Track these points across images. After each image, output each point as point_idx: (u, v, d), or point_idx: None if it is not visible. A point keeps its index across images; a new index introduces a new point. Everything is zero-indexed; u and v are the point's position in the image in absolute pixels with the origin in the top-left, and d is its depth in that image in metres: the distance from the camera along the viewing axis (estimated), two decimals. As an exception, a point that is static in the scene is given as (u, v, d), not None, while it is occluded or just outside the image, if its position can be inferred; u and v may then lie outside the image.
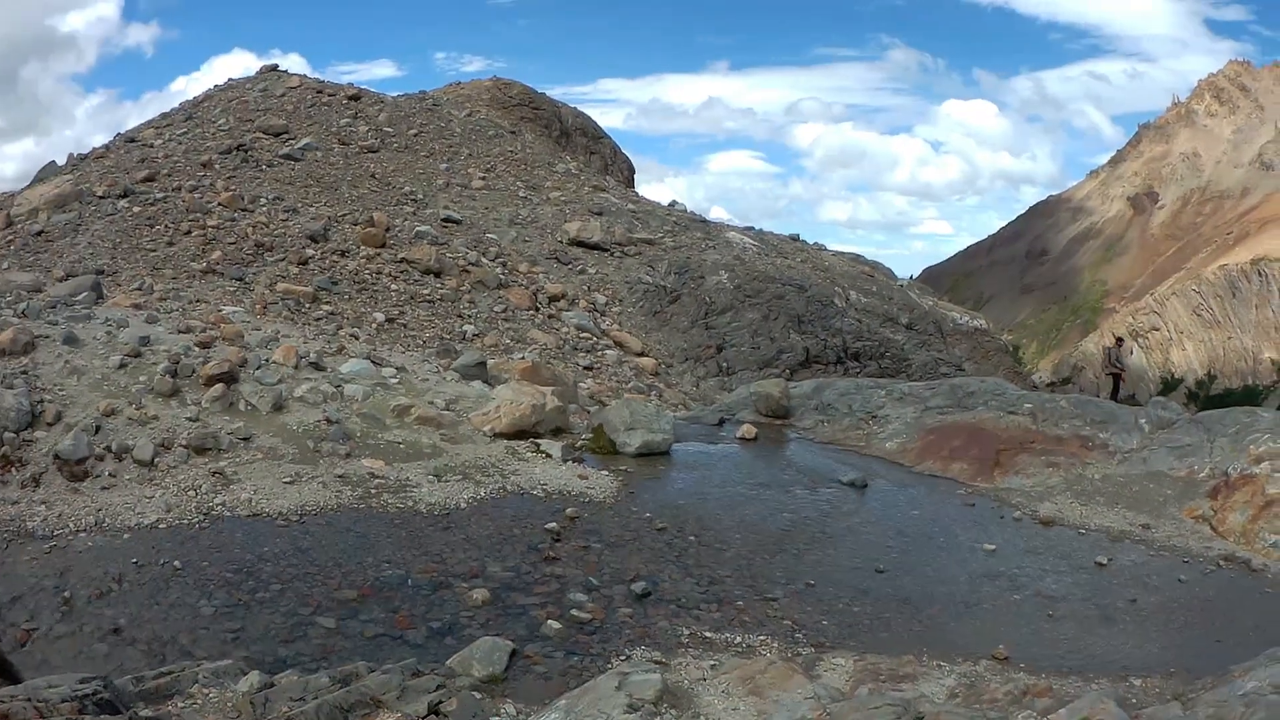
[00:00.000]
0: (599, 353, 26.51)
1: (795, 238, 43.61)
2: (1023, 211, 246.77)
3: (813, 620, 10.64)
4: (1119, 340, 36.87)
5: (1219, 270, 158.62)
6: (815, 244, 44.13)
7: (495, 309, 26.66)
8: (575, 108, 51.37)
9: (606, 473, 14.42)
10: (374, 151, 34.47)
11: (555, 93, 56.40)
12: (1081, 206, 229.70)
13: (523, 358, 21.89)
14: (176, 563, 10.37)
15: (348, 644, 8.98)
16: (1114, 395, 27.95)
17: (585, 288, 29.93)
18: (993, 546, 13.79)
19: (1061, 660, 10.52)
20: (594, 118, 51.86)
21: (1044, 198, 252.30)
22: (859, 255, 44.42)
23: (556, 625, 9.38)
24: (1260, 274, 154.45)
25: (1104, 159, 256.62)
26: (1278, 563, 15.39)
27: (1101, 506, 16.89)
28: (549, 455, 14.82)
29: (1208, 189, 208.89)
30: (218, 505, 11.79)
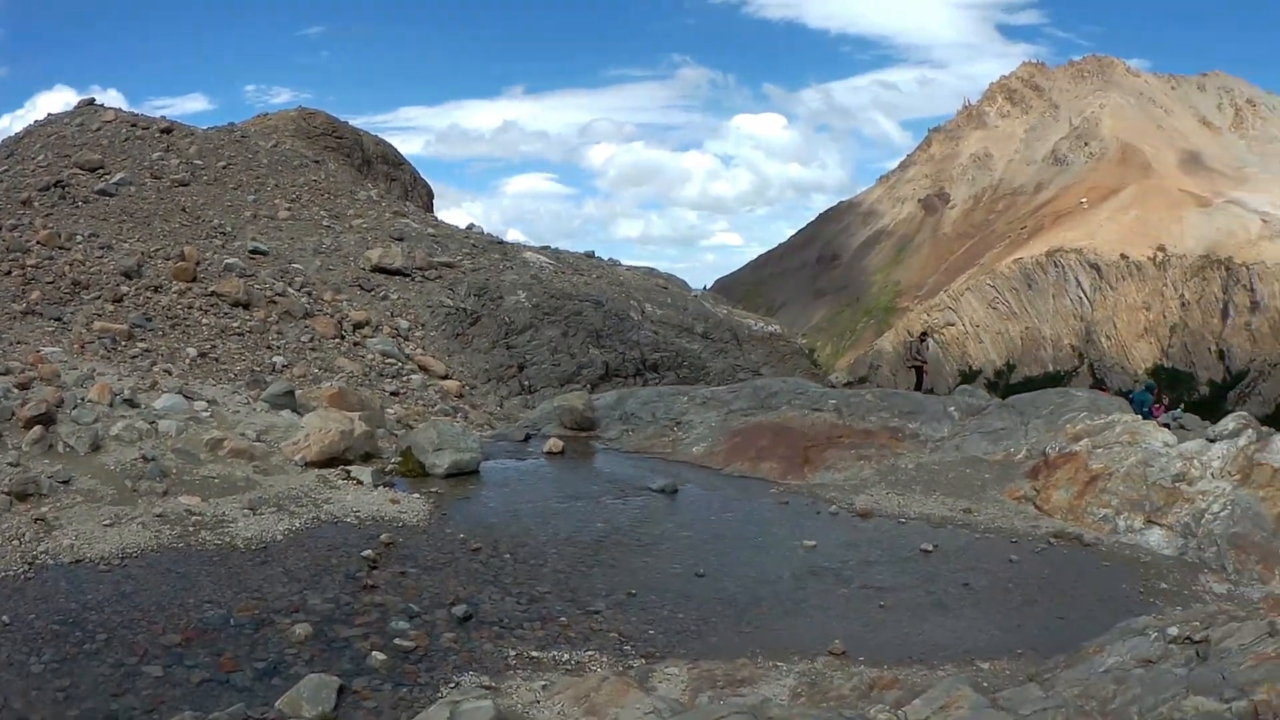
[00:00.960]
0: (404, 378, 27.80)
1: (590, 255, 45.67)
2: (813, 219, 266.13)
3: (639, 630, 10.98)
4: (923, 334, 39.03)
5: (1013, 264, 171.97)
6: (610, 260, 46.33)
7: (302, 339, 27.66)
8: (377, 136, 54.23)
9: (418, 495, 14.88)
10: (185, 185, 35.77)
11: (358, 121, 59.80)
12: (872, 210, 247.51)
13: (330, 385, 22.93)
14: (5, 617, 10.14)
15: (176, 692, 8.99)
16: (917, 388, 29.29)
17: (389, 313, 31.24)
18: (812, 542, 14.30)
19: (901, 650, 10.92)
20: (395, 145, 54.92)
21: (834, 204, 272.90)
22: (653, 269, 46.95)
23: (381, 656, 9.64)
24: (1056, 264, 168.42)
25: (894, 164, 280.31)
26: (1110, 536, 16.73)
27: (919, 495, 17.64)
28: (360, 481, 15.27)
29: (1000, 187, 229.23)
30: (41, 554, 11.63)
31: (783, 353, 40.33)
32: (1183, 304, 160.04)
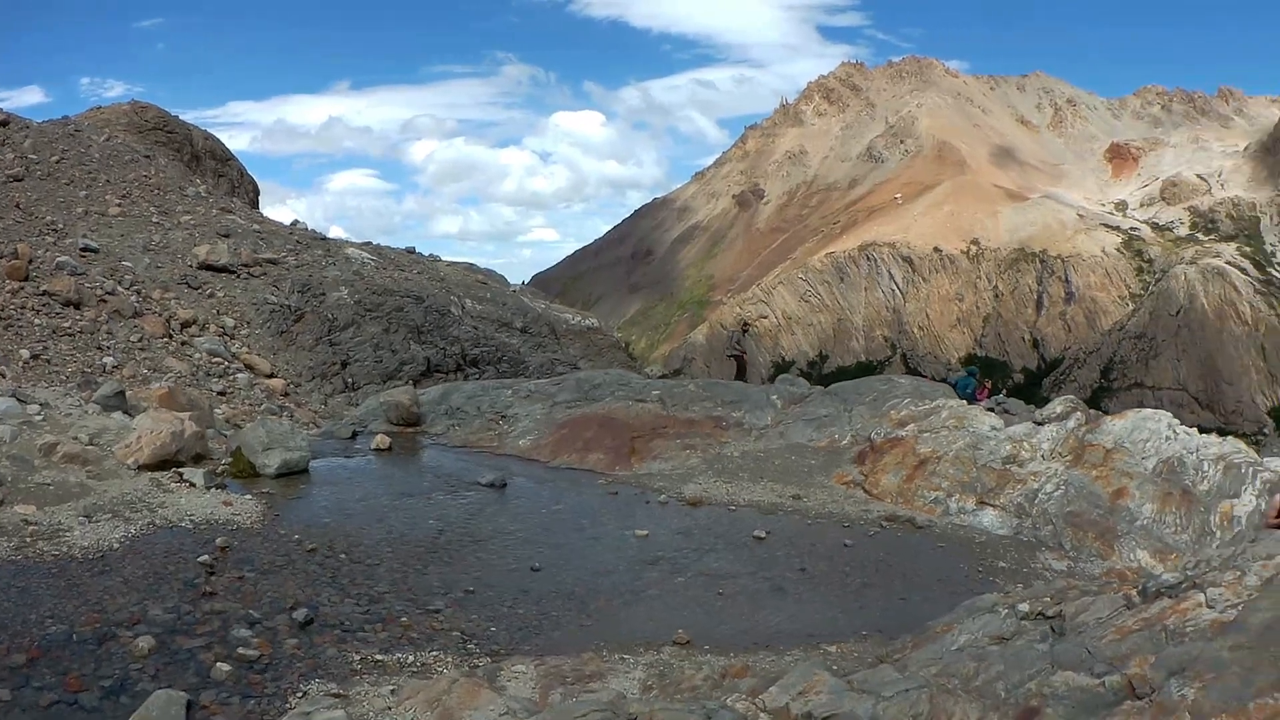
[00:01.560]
0: (231, 377, 28.29)
1: (411, 250, 46.99)
2: (629, 215, 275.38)
3: (480, 628, 11.05)
4: (744, 325, 40.33)
5: (826, 258, 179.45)
6: (430, 256, 47.56)
7: (132, 338, 27.89)
8: (206, 131, 54.69)
9: (250, 497, 14.84)
10: (19, 180, 35.69)
11: (189, 116, 60.52)
12: (687, 206, 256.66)
13: (159, 386, 22.81)
14: None
15: (27, 717, 8.78)
16: (738, 378, 30.46)
17: (215, 311, 31.59)
18: (645, 532, 14.61)
19: (745, 637, 11.14)
20: (223, 140, 55.43)
21: (650, 201, 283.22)
22: (473, 265, 48.45)
23: (226, 667, 9.52)
24: (869, 258, 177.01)
25: (710, 161, 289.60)
26: (942, 518, 17.31)
27: (747, 482, 18.13)
28: (193, 484, 15.20)
29: (814, 183, 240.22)
30: (-120, 577, 10.98)
31: (600, 346, 42.10)
32: (996, 295, 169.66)
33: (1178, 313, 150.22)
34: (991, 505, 17.34)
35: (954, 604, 11.53)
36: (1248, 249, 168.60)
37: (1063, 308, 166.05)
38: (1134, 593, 8.67)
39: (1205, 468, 17.19)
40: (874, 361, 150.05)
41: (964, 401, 23.37)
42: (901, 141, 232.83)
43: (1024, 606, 9.25)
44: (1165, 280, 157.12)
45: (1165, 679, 6.20)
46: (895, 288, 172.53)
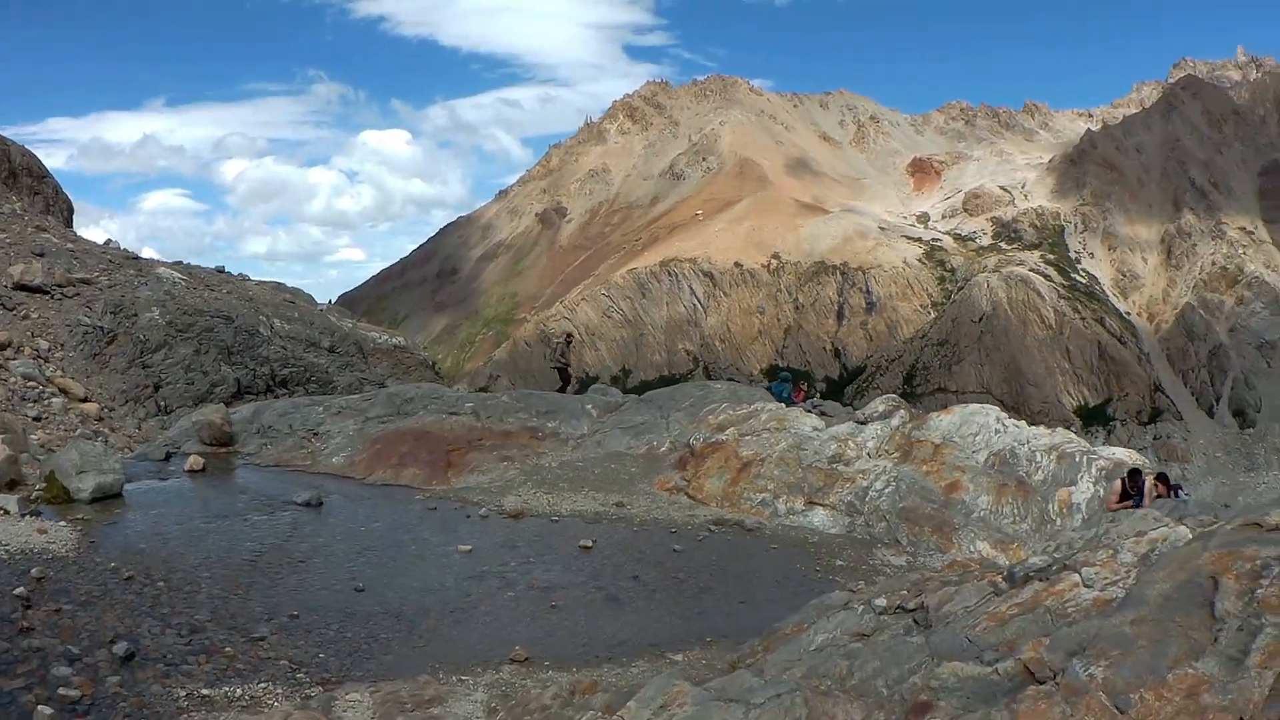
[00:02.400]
0: (45, 401, 27.41)
1: (221, 270, 45.41)
2: (434, 234, 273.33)
3: (309, 655, 10.58)
4: (568, 337, 40.10)
5: (628, 274, 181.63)
6: (240, 275, 46.43)
7: None
8: (24, 146, 52.10)
9: (65, 523, 14.26)
10: None
11: (8, 131, 58.33)
12: (490, 225, 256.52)
13: None
14: None
15: None
16: (562, 390, 30.25)
17: (30, 333, 30.62)
18: (468, 547, 14.21)
19: (585, 650, 10.76)
20: (40, 157, 53.27)
21: (454, 219, 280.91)
22: (281, 284, 47.39)
23: (48, 710, 8.99)
24: (670, 273, 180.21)
25: (514, 179, 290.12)
26: (771, 520, 17.28)
27: (568, 492, 17.91)
28: (6, 511, 14.62)
29: (617, 200, 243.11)
30: None
31: (407, 365, 42.04)
32: (797, 307, 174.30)
33: (980, 319, 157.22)
34: (821, 505, 17.24)
35: (796, 604, 11.47)
36: (1051, 256, 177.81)
37: (864, 318, 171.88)
38: (999, 579, 8.37)
39: (1038, 458, 17.50)
40: (676, 375, 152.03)
41: (782, 404, 23.65)
42: (704, 159, 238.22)
43: (881, 601, 8.87)
44: (967, 289, 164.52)
45: (1065, 660, 5.87)
46: (696, 302, 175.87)
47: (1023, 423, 19.08)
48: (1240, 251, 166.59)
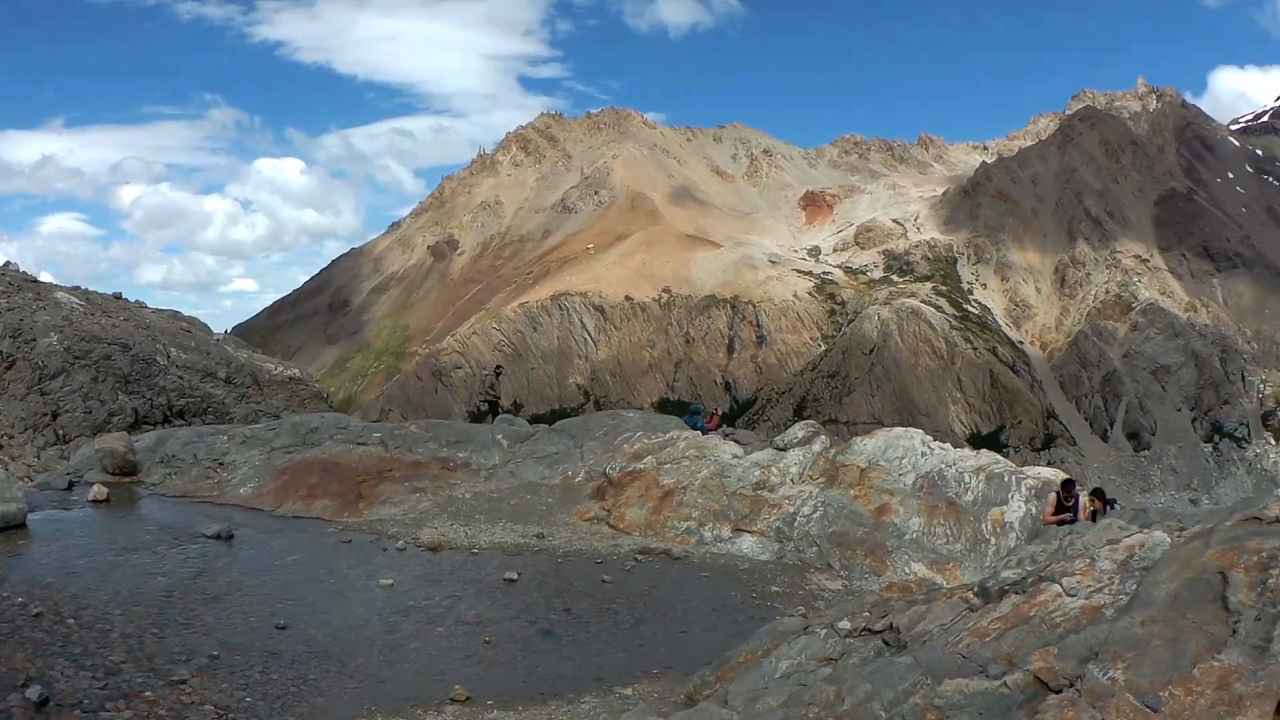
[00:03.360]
0: None
1: (118, 296, 44.06)
2: (326, 265, 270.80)
3: (234, 699, 10.04)
4: (497, 369, 39.97)
5: (519, 308, 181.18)
6: (137, 302, 45.07)
7: None
8: None
9: None
10: None
11: None
12: (382, 257, 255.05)
13: None
14: None
15: None
16: (491, 420, 29.54)
17: None
18: (389, 581, 13.78)
19: (528, 687, 10.38)
20: None
21: (346, 251, 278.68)
22: (178, 312, 46.24)
23: None
24: (561, 307, 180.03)
25: (406, 211, 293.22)
26: (697, 548, 17.02)
27: (485, 524, 17.54)
28: None
29: (509, 233, 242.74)
30: None
31: (302, 397, 41.58)
32: (688, 340, 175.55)
33: (871, 351, 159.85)
34: (749, 531, 17.06)
35: (737, 632, 11.37)
36: (943, 287, 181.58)
37: (754, 350, 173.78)
38: (970, 595, 8.20)
39: (967, 479, 17.54)
40: (566, 408, 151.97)
41: (698, 432, 23.58)
42: (596, 192, 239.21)
43: (844, 624, 8.67)
44: (858, 321, 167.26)
45: (1078, 667, 5.83)
46: (587, 335, 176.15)
47: (948, 445, 19.17)
48: (1135, 279, 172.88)
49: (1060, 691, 5.71)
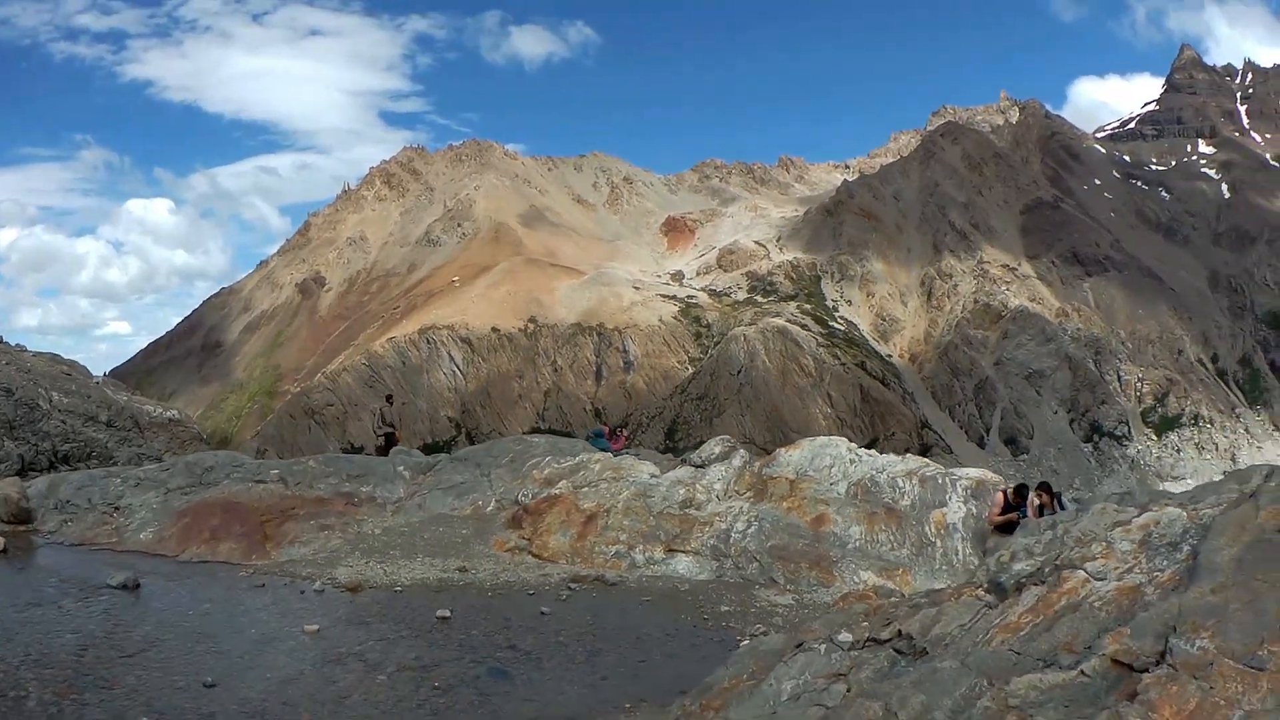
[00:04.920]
0: None
1: None
2: (197, 306, 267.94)
3: None
4: (389, 397, 39.90)
5: (388, 343, 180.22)
6: (17, 346, 43.61)
7: None
8: None
9: None
10: None
11: None
12: (252, 296, 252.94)
13: None
14: None
15: None
16: (387, 453, 29.06)
17: None
18: (315, 627, 13.02)
19: None
20: None
21: (216, 291, 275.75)
22: (57, 355, 44.80)
23: None
24: (429, 341, 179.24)
25: (273, 249, 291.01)
26: (630, 571, 16.54)
27: (402, 560, 16.91)
28: None
29: (374, 269, 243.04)
30: None
31: (183, 439, 40.58)
32: (555, 369, 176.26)
33: (739, 372, 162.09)
34: (683, 551, 16.68)
35: (700, 657, 11.14)
36: (808, 306, 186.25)
37: (622, 376, 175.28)
38: (981, 593, 7.96)
39: (900, 484, 17.46)
40: (439, 442, 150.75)
41: (608, 454, 23.26)
42: (459, 224, 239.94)
43: (845, 636, 8.31)
44: (724, 343, 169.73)
45: (1156, 643, 5.75)
46: (456, 369, 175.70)
47: (874, 451, 19.13)
48: (1003, 288, 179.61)
49: (1147, 670, 5.60)
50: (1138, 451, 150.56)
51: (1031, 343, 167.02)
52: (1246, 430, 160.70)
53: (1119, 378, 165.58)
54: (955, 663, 6.50)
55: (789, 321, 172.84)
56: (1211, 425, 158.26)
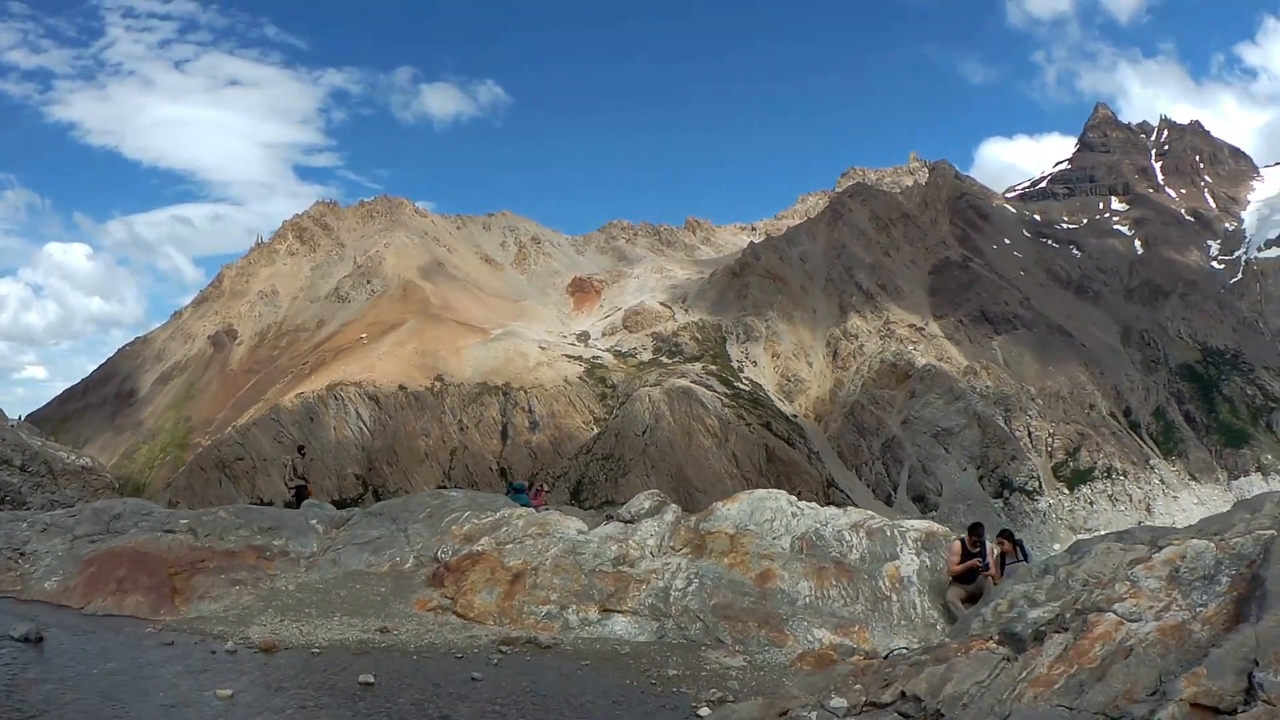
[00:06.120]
0: None
1: None
2: (112, 354, 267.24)
3: None
4: (300, 447, 38.34)
5: (296, 398, 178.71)
6: None
7: None
8: None
9: None
10: None
11: None
12: (165, 347, 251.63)
13: None
14: None
15: None
16: (298, 506, 28.27)
17: None
18: (228, 691, 11.86)
19: None
20: None
21: (131, 340, 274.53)
22: None
23: None
24: (336, 397, 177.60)
25: (187, 300, 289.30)
26: (563, 633, 15.51)
27: (318, 619, 16.05)
28: None
29: (285, 323, 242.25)
30: None
31: (95, 487, 39.73)
32: (461, 428, 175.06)
33: (644, 432, 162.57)
34: (619, 611, 15.70)
35: None
36: (714, 367, 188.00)
37: (528, 436, 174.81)
38: (992, 645, 7.21)
39: (847, 537, 16.76)
40: (345, 499, 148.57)
41: (531, 509, 22.46)
42: (368, 281, 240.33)
43: (839, 702, 7.49)
44: (629, 403, 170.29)
45: (1239, 680, 5.24)
46: (363, 426, 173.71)
47: (815, 504, 18.43)
48: (910, 348, 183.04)
49: (1236, 711, 5.15)
50: (1049, 505, 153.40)
51: (939, 401, 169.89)
52: (1161, 481, 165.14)
53: (1029, 433, 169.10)
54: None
55: (694, 382, 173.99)
56: (1125, 477, 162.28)
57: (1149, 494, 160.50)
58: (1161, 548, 7.39)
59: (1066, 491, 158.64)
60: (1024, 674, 6.49)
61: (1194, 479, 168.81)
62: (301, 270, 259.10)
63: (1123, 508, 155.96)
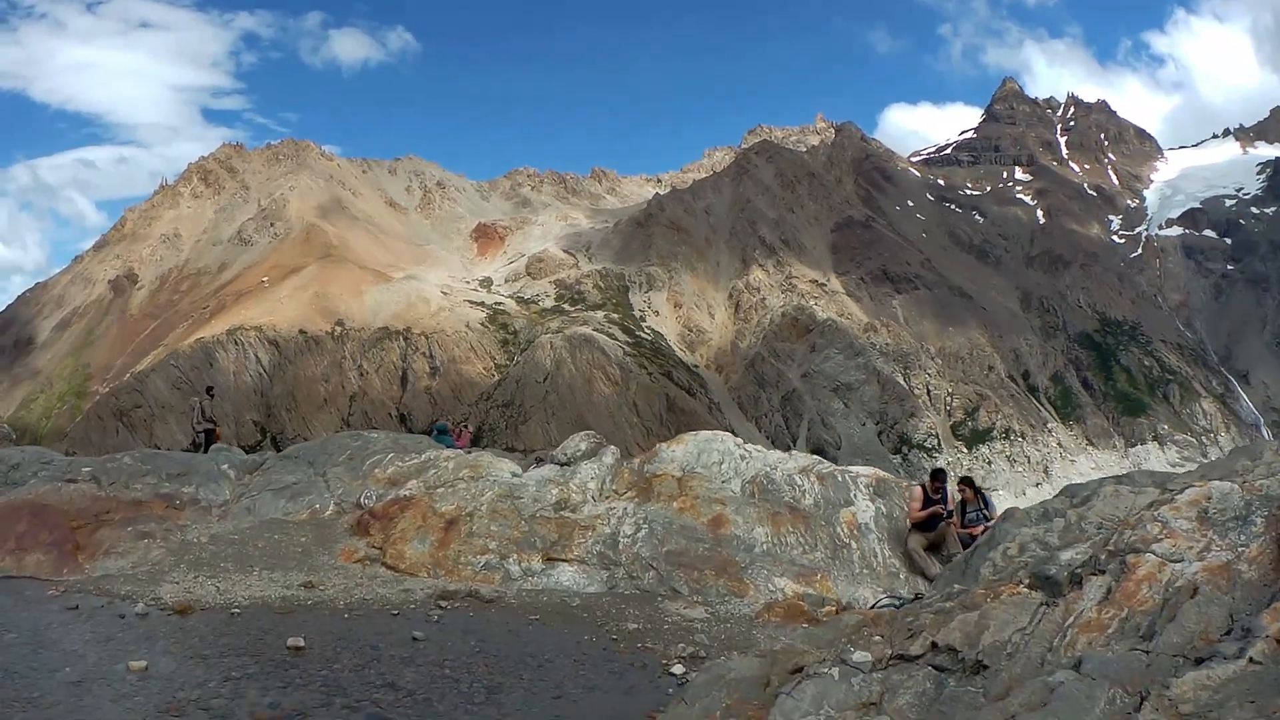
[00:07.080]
0: None
1: None
2: (11, 302, 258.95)
3: None
4: (209, 389, 37.23)
5: (196, 343, 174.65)
6: None
7: None
8: None
9: None
10: None
11: None
12: (65, 293, 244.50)
13: None
14: None
15: None
16: (206, 450, 27.01)
17: None
18: (142, 663, 10.26)
19: None
20: None
21: (31, 286, 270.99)
22: None
23: None
24: (237, 342, 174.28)
25: (89, 244, 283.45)
26: (505, 584, 14.70)
27: (235, 574, 14.87)
28: None
29: (186, 267, 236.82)
30: None
31: None
32: (361, 374, 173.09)
33: (545, 379, 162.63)
34: (564, 560, 15.03)
35: (627, 688, 9.86)
36: (616, 315, 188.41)
37: (428, 382, 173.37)
38: (1022, 589, 6.84)
39: (798, 481, 16.40)
40: (245, 446, 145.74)
41: (458, 451, 21.96)
42: (272, 224, 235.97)
43: (862, 655, 6.93)
44: (531, 350, 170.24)
45: None
46: (263, 371, 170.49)
47: (761, 447, 18.06)
48: (811, 302, 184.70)
49: None
50: (947, 463, 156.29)
51: (839, 355, 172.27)
52: (1059, 444, 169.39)
53: (929, 392, 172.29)
54: (1069, 675, 5.33)
55: (596, 330, 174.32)
56: (1023, 439, 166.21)
57: (1047, 456, 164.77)
58: (1177, 491, 7.15)
59: (965, 450, 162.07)
60: (1070, 619, 6.16)
61: (1091, 444, 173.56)
62: (205, 213, 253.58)
63: (1020, 468, 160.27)
